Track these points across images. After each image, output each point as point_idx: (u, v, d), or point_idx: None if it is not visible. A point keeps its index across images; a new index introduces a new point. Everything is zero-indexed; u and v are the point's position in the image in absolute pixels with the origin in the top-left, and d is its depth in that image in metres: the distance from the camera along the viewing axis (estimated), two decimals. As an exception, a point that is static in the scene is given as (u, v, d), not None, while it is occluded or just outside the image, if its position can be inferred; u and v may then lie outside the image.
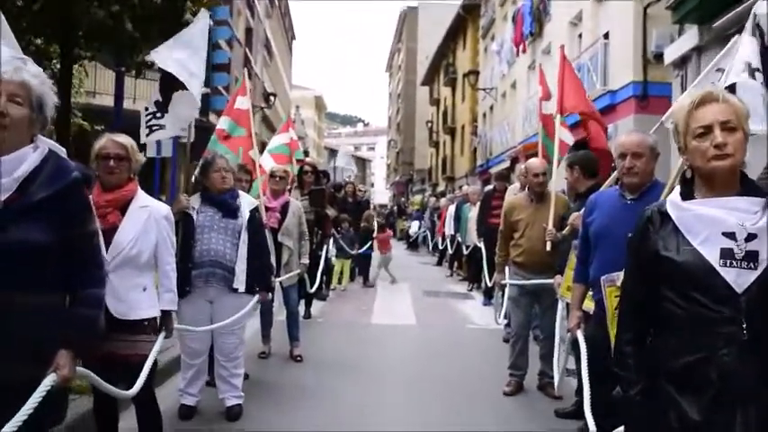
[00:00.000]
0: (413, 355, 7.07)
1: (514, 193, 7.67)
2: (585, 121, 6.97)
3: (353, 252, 11.70)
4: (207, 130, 8.58)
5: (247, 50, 30.21)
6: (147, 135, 4.77)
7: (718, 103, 2.03)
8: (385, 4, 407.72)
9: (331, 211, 8.53)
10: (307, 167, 8.30)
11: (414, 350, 7.30)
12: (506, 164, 22.63)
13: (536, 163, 5.87)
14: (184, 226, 4.62)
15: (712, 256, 1.93)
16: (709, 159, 1.98)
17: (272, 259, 6.38)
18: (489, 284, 9.88)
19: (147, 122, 4.72)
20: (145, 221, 3.38)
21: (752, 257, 1.90)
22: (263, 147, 15.96)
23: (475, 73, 28.41)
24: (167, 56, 4.61)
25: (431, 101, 45.85)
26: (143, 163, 3.52)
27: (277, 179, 6.64)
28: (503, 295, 6.73)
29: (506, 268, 5.98)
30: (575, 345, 3.90)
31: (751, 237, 1.91)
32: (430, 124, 44.61)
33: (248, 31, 30.91)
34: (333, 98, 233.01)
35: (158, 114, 4.68)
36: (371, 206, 17.19)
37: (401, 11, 57.39)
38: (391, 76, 74.08)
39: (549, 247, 5.48)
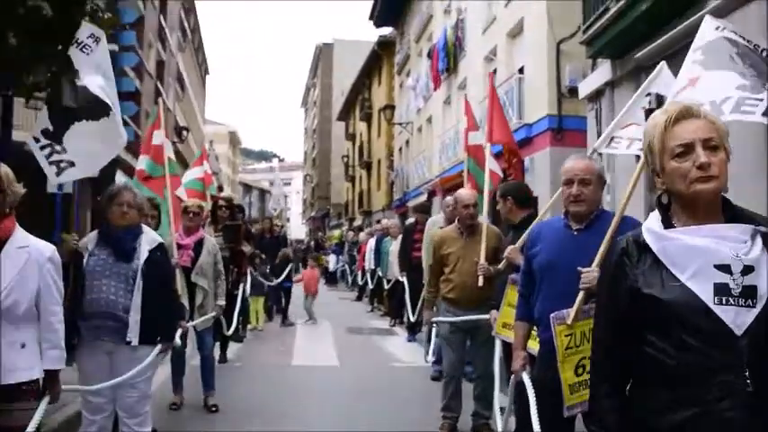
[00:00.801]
0: (337, 399, 6.64)
1: (440, 226, 7.45)
2: (506, 153, 6.89)
3: (271, 283, 11.16)
4: (112, 164, 8.00)
5: (158, 83, 29.32)
6: (58, 174, 4.15)
7: (699, 118, 1.80)
8: (300, 41, 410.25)
9: (247, 248, 8.04)
10: (221, 202, 7.87)
11: (338, 394, 6.87)
12: (424, 197, 22.64)
13: (466, 194, 5.64)
14: (74, 270, 4.11)
15: (705, 293, 1.66)
16: (691, 182, 1.74)
17: (185, 301, 5.91)
18: (413, 320, 9.61)
19: (47, 157, 4.10)
20: (23, 265, 2.89)
21: (749, 293, 1.65)
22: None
23: (390, 108, 28.49)
24: (93, 81, 4.08)
25: (347, 136, 45.84)
26: (21, 195, 3.01)
27: (191, 215, 6.16)
28: (431, 332, 6.42)
29: (435, 305, 5.72)
30: (518, 387, 3.60)
31: (747, 269, 1.66)
32: (346, 159, 44.52)
33: (159, 63, 30.04)
34: (247, 134, 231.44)
35: (57, 148, 4.08)
36: (288, 242, 16.68)
37: (316, 46, 57.53)
38: (306, 111, 73.97)
39: (481, 282, 5.25)
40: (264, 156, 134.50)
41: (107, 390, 4.08)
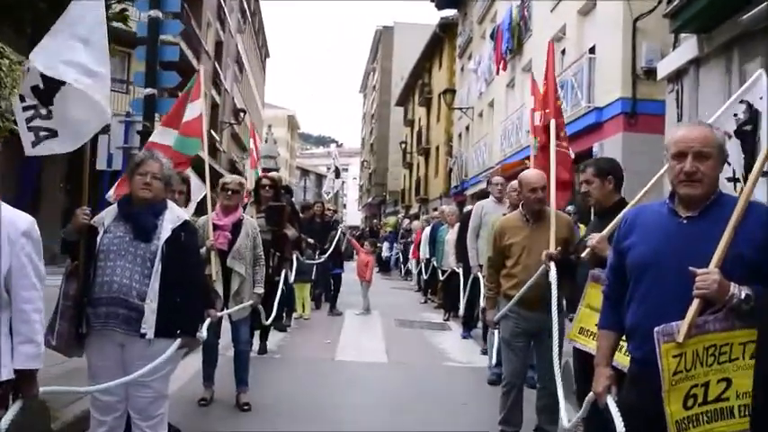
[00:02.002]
0: (383, 401, 6.01)
1: (503, 213, 6.73)
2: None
3: (317, 261, 10.60)
4: (150, 136, 7.53)
5: (216, 64, 29.19)
6: (35, 144, 3.56)
7: None
8: (360, 25, 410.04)
9: (291, 231, 7.46)
10: (265, 180, 7.27)
11: (384, 395, 6.24)
12: (483, 185, 21.78)
13: (533, 175, 4.89)
14: (86, 249, 3.57)
15: None
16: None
17: (219, 287, 5.38)
18: (463, 313, 8.93)
19: (27, 120, 3.49)
20: None
21: None
22: (232, 167, 14.90)
23: (451, 91, 27.62)
24: (55, 56, 3.46)
25: (405, 121, 45.13)
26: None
27: (229, 193, 5.61)
28: (495, 336, 5.71)
29: (499, 303, 5.02)
30: (596, 413, 2.90)
31: None
32: (404, 145, 43.81)
33: (218, 44, 29.92)
34: (306, 118, 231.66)
35: (42, 111, 3.47)
36: (340, 227, 16.15)
37: (376, 30, 56.84)
38: (365, 96, 73.48)
39: (551, 277, 4.52)
40: (323, 141, 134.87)
41: (119, 387, 3.56)
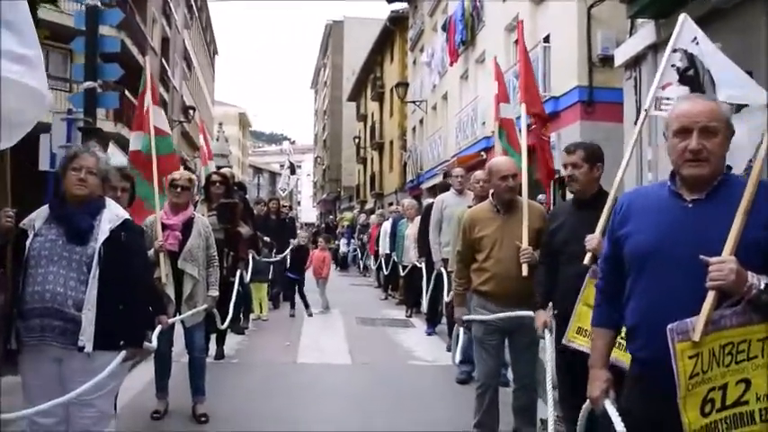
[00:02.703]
0: (348, 405, 5.71)
1: (468, 205, 6.48)
2: (538, 124, 5.86)
3: (273, 260, 10.20)
4: (92, 133, 7.07)
5: (164, 60, 28.38)
6: None
7: None
8: (310, 20, 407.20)
9: (245, 229, 7.08)
10: (215, 177, 6.89)
11: (349, 398, 5.93)
12: (439, 178, 21.62)
13: (503, 162, 4.62)
14: (14, 255, 3.17)
15: None
16: None
17: (170, 291, 5.00)
18: (425, 310, 8.69)
19: None
20: None
21: None
22: (183, 166, 14.32)
23: (404, 85, 27.40)
24: None
25: (358, 116, 44.78)
26: None
27: (178, 190, 5.21)
28: (464, 334, 5.44)
29: (469, 300, 4.76)
30: (594, 420, 2.64)
31: None
32: (357, 140, 43.44)
33: (165, 40, 29.12)
34: (258, 116, 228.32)
35: None
36: (297, 224, 15.76)
37: (326, 25, 56.29)
38: (317, 92, 72.85)
39: (525, 272, 4.28)
40: (275, 138, 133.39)
41: (58, 408, 3.17)
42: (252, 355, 7.46)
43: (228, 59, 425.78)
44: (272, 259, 10.24)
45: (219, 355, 7.09)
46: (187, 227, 5.17)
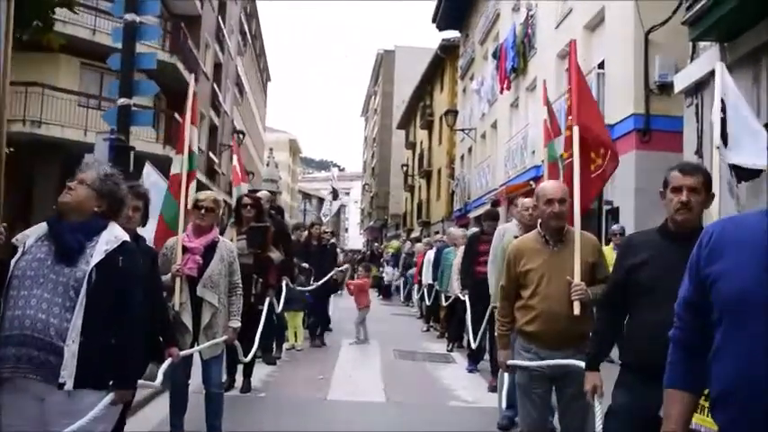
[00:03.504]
0: (380, 449, 5.23)
1: (515, 235, 5.99)
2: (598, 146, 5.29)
3: (307, 289, 9.78)
4: (125, 151, 6.85)
5: (215, 86, 28.67)
6: None
7: None
8: (362, 49, 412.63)
9: (276, 254, 6.71)
10: (246, 199, 6.58)
11: (381, 441, 5.46)
12: (486, 207, 21.07)
13: (550, 186, 4.15)
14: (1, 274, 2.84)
15: None
16: None
17: (188, 320, 4.64)
18: (473, 346, 8.12)
19: None
20: None
21: None
22: (231, 190, 14.10)
23: (453, 113, 27.07)
24: None
25: (407, 144, 44.60)
26: None
27: (202, 211, 4.89)
28: (508, 375, 4.93)
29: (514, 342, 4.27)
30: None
31: None
32: (405, 168, 43.20)
33: (217, 66, 29.44)
34: (308, 143, 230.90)
35: None
36: (339, 252, 15.42)
37: (378, 53, 56.58)
38: (367, 120, 73.16)
39: (577, 310, 3.79)
40: (324, 165, 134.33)
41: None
42: (281, 390, 7.03)
43: (281, 86, 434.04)
44: (305, 288, 9.81)
45: (246, 387, 6.69)
46: (209, 251, 4.83)
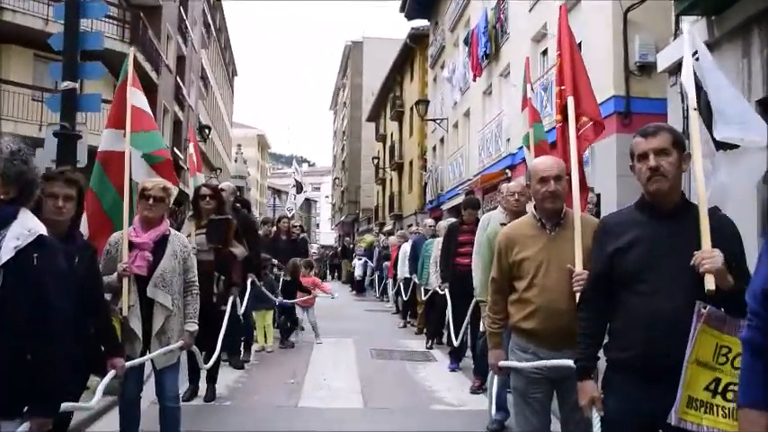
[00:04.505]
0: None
1: (502, 223, 5.50)
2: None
3: (276, 300, 9.16)
4: (70, 140, 6.21)
5: (179, 79, 27.80)
6: None
7: None
8: (330, 41, 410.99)
9: (239, 250, 6.13)
10: (204, 190, 5.99)
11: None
12: (461, 198, 20.64)
13: (544, 162, 3.63)
14: None
15: None
16: None
17: (136, 326, 4.07)
18: (456, 344, 7.63)
19: None
20: None
21: None
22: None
23: (424, 102, 26.53)
24: None
25: (377, 137, 44.02)
26: None
27: (150, 201, 4.28)
28: (501, 384, 4.44)
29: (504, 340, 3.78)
30: None
31: None
32: (376, 161, 42.63)
33: (180, 58, 28.55)
34: (277, 138, 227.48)
35: None
36: (309, 246, 14.84)
37: (345, 45, 55.89)
38: (336, 113, 72.42)
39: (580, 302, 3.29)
40: (294, 161, 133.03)
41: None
42: (248, 396, 6.45)
43: (248, 81, 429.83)
44: (275, 299, 9.16)
45: (210, 396, 6.10)
46: (160, 246, 4.25)
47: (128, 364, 3.77)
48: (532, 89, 6.25)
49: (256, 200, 65.99)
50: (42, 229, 2.48)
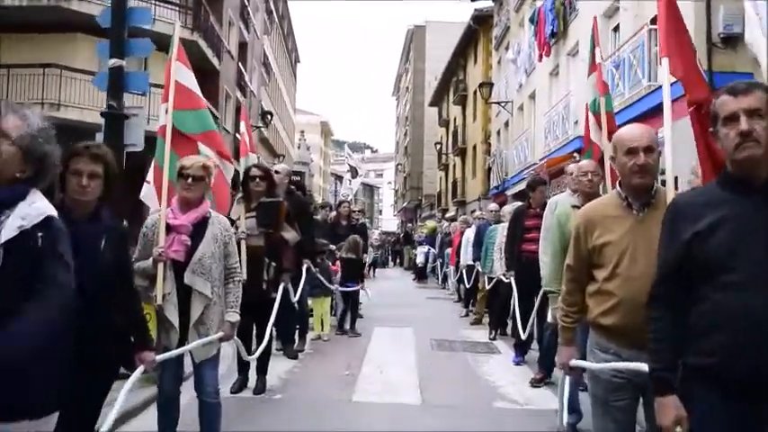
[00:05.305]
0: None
1: (573, 205, 4.98)
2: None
3: (334, 287, 8.83)
4: (117, 120, 5.99)
5: (241, 65, 27.83)
6: None
7: None
8: (393, 27, 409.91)
9: (291, 234, 5.77)
10: (255, 171, 5.65)
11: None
12: (525, 183, 19.95)
13: (632, 131, 3.07)
14: None
15: None
16: None
17: (174, 316, 3.76)
18: (523, 337, 7.13)
19: None
20: None
21: None
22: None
23: (488, 84, 25.76)
24: None
25: (440, 122, 43.39)
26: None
27: (189, 180, 3.94)
28: (572, 384, 3.95)
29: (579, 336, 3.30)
30: None
31: None
32: (439, 146, 42.04)
33: (242, 45, 28.58)
34: (340, 125, 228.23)
35: None
36: (370, 232, 14.48)
37: (408, 30, 55.27)
38: (398, 99, 71.97)
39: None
40: (357, 147, 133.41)
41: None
42: (300, 389, 6.12)
43: (311, 68, 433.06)
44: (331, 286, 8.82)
45: (259, 388, 5.78)
46: (199, 229, 3.91)
47: (162, 356, 3.46)
48: (602, 57, 5.68)
49: (320, 186, 66.30)
50: (52, 211, 2.16)
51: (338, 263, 9.38)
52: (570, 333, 3.29)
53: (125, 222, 5.44)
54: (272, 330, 5.61)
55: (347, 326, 9.48)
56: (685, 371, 2.31)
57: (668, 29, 3.94)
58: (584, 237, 3.11)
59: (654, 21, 12.02)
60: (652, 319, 2.44)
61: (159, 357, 3.36)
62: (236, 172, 6.75)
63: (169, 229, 3.91)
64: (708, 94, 4.12)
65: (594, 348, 3.13)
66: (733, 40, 9.85)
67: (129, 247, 3.34)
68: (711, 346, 2.20)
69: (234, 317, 3.98)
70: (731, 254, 2.16)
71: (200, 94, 5.12)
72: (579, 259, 3.16)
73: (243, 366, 5.80)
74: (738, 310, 2.14)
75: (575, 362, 3.23)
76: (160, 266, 3.80)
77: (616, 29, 14.21)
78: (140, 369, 3.12)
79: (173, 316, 3.78)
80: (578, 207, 4.81)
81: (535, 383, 6.39)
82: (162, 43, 6.02)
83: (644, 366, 2.78)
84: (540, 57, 19.02)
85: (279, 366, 6.64)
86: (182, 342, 3.80)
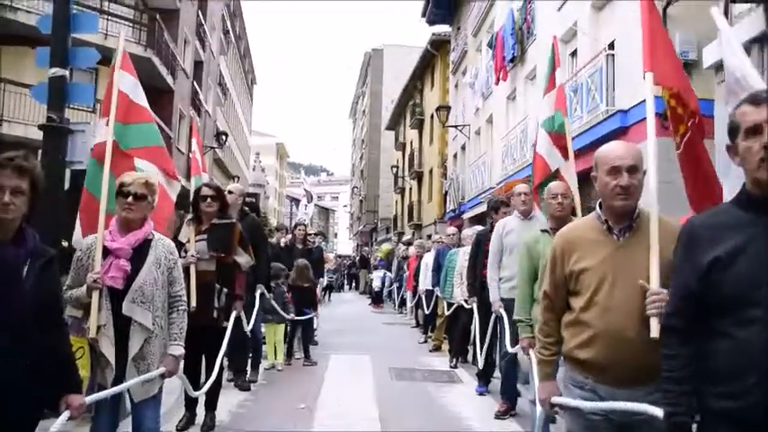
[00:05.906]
0: None
1: (542, 230, 4.78)
2: (677, 107, 4.23)
3: (289, 316, 8.48)
4: (56, 132, 5.59)
5: (195, 83, 27.34)
6: None
7: None
8: (349, 50, 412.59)
9: (243, 259, 5.42)
10: (206, 190, 5.30)
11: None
12: (482, 207, 19.88)
13: (615, 148, 2.86)
14: None
15: None
16: None
17: (109, 349, 3.39)
18: (480, 365, 6.89)
19: None
20: None
21: None
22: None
23: (445, 108, 25.81)
24: None
25: (396, 145, 43.42)
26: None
27: (129, 199, 3.58)
28: (549, 421, 3.70)
29: (559, 370, 3.06)
30: None
31: None
32: (395, 169, 41.99)
33: (198, 64, 28.11)
34: (296, 147, 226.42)
35: None
36: (324, 255, 14.15)
37: (365, 53, 55.47)
38: (355, 122, 71.98)
39: (654, 331, 2.54)
40: (313, 170, 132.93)
41: None
42: (253, 424, 5.70)
43: (267, 90, 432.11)
44: (289, 316, 8.45)
45: (208, 425, 5.35)
46: (140, 253, 3.56)
47: (94, 397, 3.09)
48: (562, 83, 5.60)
49: (275, 208, 65.61)
50: None
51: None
52: (549, 367, 3.05)
53: (66, 244, 5.07)
54: (222, 361, 5.23)
55: (299, 354, 9.10)
56: (706, 414, 2.08)
57: (652, 41, 3.81)
58: (561, 260, 2.89)
59: (611, 46, 12.14)
60: (667, 357, 2.20)
61: (90, 399, 2.98)
62: (186, 191, 6.41)
63: (106, 252, 3.55)
64: (697, 105, 4.02)
65: (569, 384, 2.90)
66: (690, 66, 9.89)
67: (59, 275, 2.97)
68: (737, 389, 1.97)
69: (178, 350, 3.62)
70: (755, 285, 1.94)
71: (147, 106, 4.79)
72: (556, 286, 2.93)
73: (190, 402, 5.40)
74: (766, 350, 1.91)
75: (557, 399, 2.97)
76: (95, 295, 3.44)
77: (574, 53, 14.29)
78: (65, 415, 2.72)
79: (108, 351, 3.41)
80: (548, 231, 4.62)
81: (500, 415, 6.14)
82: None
83: (639, 407, 2.56)
84: (498, 80, 19.07)
85: (229, 399, 6.26)
86: (119, 380, 3.43)
